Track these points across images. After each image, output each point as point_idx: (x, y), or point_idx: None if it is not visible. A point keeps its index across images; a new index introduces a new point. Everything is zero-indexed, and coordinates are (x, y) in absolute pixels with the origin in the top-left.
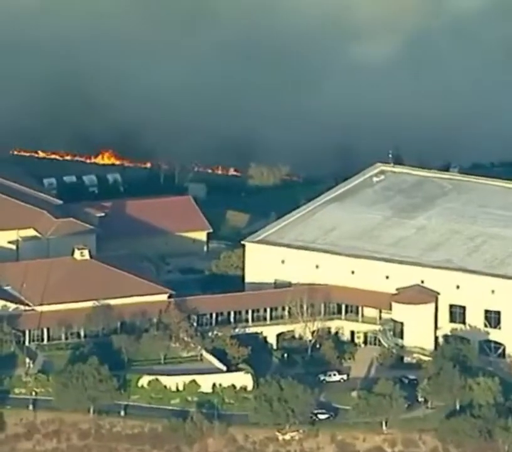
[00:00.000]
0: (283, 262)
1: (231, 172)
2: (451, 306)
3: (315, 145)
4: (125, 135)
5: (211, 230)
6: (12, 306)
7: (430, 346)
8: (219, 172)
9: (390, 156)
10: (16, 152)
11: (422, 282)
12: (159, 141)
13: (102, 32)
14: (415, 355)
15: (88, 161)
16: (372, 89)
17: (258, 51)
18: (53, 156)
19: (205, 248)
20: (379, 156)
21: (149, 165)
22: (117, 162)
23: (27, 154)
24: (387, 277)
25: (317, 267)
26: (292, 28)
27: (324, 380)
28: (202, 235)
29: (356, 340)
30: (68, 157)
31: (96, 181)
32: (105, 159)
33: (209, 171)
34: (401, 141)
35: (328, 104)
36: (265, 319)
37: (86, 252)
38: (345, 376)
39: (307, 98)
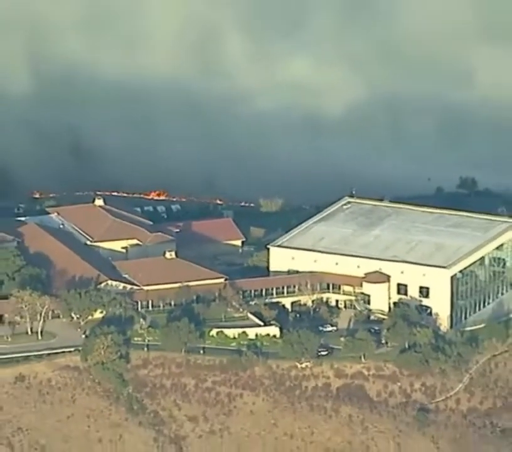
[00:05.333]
0: (293, 258)
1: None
2: (398, 284)
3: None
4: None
5: (244, 239)
6: (128, 287)
7: (386, 309)
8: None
9: (353, 192)
10: (97, 192)
11: (380, 269)
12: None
13: None
14: (377, 315)
15: (146, 197)
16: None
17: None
18: (123, 194)
19: (240, 251)
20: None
21: (184, 199)
22: (165, 198)
23: (107, 193)
24: (358, 267)
25: (315, 261)
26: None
27: (322, 330)
28: (238, 242)
29: (340, 306)
30: (136, 195)
31: (165, 210)
32: (157, 196)
33: (216, 201)
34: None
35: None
36: (283, 293)
37: (173, 253)
38: (335, 328)
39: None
